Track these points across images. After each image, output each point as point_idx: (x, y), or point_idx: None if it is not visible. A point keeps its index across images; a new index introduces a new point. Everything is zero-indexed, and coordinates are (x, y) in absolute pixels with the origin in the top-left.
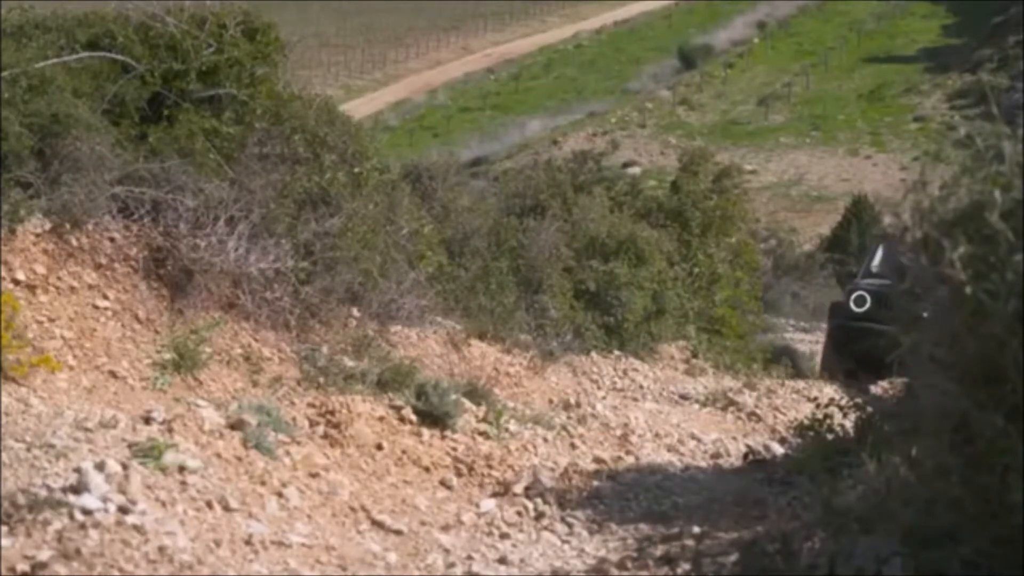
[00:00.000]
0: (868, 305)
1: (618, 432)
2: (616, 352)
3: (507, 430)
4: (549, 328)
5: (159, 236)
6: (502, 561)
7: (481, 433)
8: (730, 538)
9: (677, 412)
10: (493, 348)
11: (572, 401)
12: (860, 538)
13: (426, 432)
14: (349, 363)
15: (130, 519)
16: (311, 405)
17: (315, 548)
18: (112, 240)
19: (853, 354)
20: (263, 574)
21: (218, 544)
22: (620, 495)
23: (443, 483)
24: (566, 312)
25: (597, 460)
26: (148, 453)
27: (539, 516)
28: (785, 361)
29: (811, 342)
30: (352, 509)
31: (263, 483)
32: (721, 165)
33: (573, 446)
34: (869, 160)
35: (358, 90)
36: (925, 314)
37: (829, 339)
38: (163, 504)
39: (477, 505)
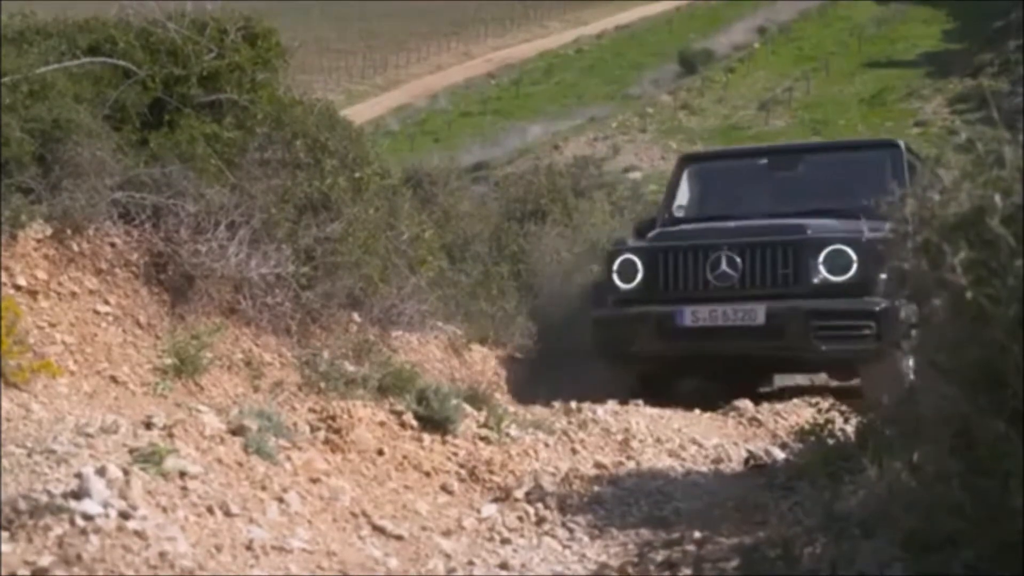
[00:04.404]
0: (640, 277)
1: (619, 437)
2: None
3: (508, 435)
4: None
5: (160, 241)
6: (503, 566)
7: (482, 438)
8: (731, 543)
9: (678, 417)
10: (494, 353)
11: (573, 406)
12: (861, 543)
13: (427, 437)
14: (350, 368)
15: (131, 524)
16: (312, 410)
17: (316, 553)
18: (113, 245)
19: (632, 361)
20: None
21: (219, 549)
22: (621, 500)
23: (444, 488)
24: None
25: (598, 465)
26: (149, 458)
27: (540, 521)
28: None
29: None
30: (353, 514)
31: (264, 488)
32: None
33: (574, 451)
34: None
35: (359, 95)
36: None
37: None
38: (164, 509)
39: (478, 510)
